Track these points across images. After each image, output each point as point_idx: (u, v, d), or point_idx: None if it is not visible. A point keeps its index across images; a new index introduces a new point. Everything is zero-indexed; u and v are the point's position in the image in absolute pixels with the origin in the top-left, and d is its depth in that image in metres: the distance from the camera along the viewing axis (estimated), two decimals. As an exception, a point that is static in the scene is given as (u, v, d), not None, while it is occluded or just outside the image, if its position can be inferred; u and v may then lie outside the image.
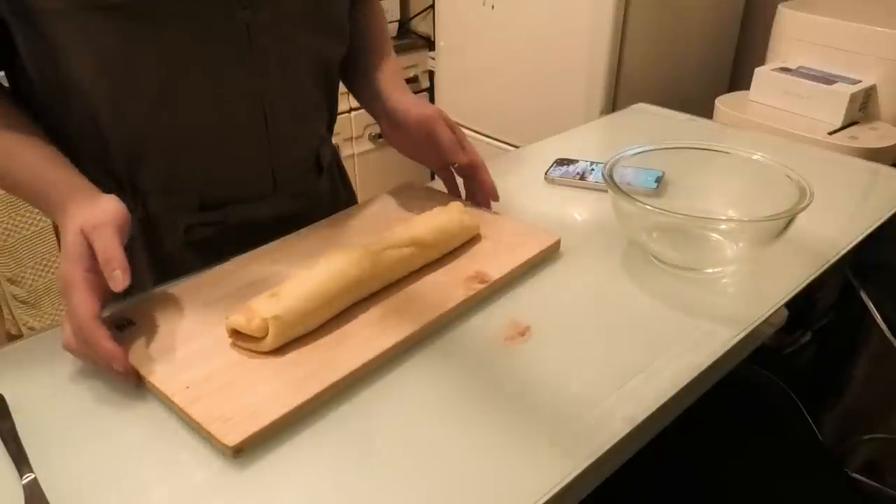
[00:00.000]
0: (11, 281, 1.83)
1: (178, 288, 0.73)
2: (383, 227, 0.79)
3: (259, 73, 0.78)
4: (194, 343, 0.65)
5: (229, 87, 0.77)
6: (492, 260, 0.78)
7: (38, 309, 1.89)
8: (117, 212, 0.65)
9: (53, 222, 0.72)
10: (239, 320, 0.64)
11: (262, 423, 0.56)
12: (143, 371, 0.62)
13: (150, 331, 0.67)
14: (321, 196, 0.95)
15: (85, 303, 0.60)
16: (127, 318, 0.68)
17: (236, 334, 0.65)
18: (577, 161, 1.04)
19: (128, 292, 0.75)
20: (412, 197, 0.92)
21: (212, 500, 0.53)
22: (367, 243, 0.73)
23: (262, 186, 0.86)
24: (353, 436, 0.58)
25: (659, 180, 0.92)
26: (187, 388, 0.60)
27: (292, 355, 0.64)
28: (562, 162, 1.04)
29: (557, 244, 0.81)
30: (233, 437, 0.55)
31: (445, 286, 0.73)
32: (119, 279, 0.61)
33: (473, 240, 0.81)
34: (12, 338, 1.91)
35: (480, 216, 0.84)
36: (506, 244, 0.80)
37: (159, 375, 0.61)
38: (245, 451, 0.56)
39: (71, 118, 0.75)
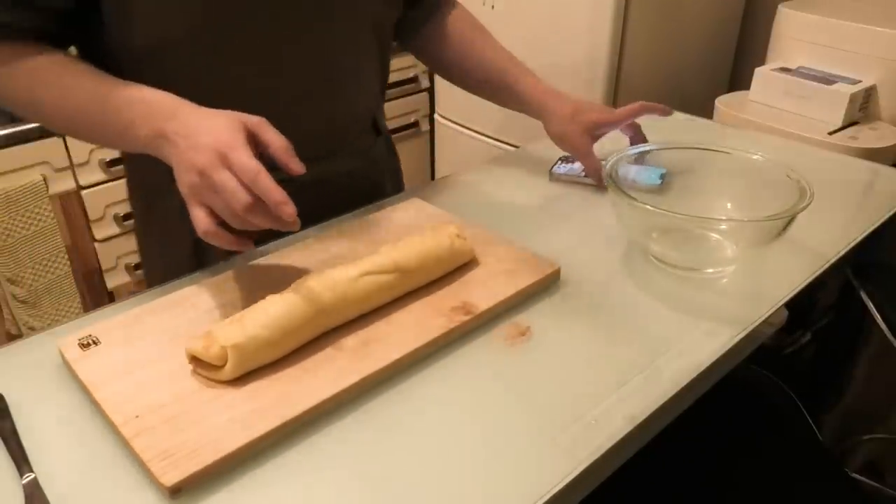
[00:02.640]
0: (11, 281, 1.83)
1: (150, 305, 0.71)
2: (367, 247, 0.75)
3: (323, 31, 0.82)
4: (154, 368, 0.62)
5: (294, 46, 0.80)
6: (482, 288, 0.72)
7: (38, 309, 1.89)
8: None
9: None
10: (197, 347, 0.60)
11: (203, 463, 0.52)
12: (96, 396, 0.59)
13: (114, 351, 0.64)
14: (379, 157, 1.00)
15: (253, 158, 0.61)
16: (93, 338, 0.65)
17: (196, 361, 0.61)
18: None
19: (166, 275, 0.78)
20: (406, 214, 0.88)
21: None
22: (344, 267, 0.69)
23: (326, 145, 0.89)
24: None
25: (664, 177, 0.92)
26: (136, 416, 0.57)
27: (252, 386, 0.60)
28: (566, 159, 1.04)
29: (557, 273, 0.77)
30: (170, 477, 0.51)
31: (427, 316, 0.68)
32: (289, 212, 0.61)
33: (467, 265, 0.77)
34: (12, 338, 1.91)
35: (476, 239, 0.79)
36: (501, 271, 0.75)
37: (111, 401, 0.58)
38: (184, 490, 0.52)
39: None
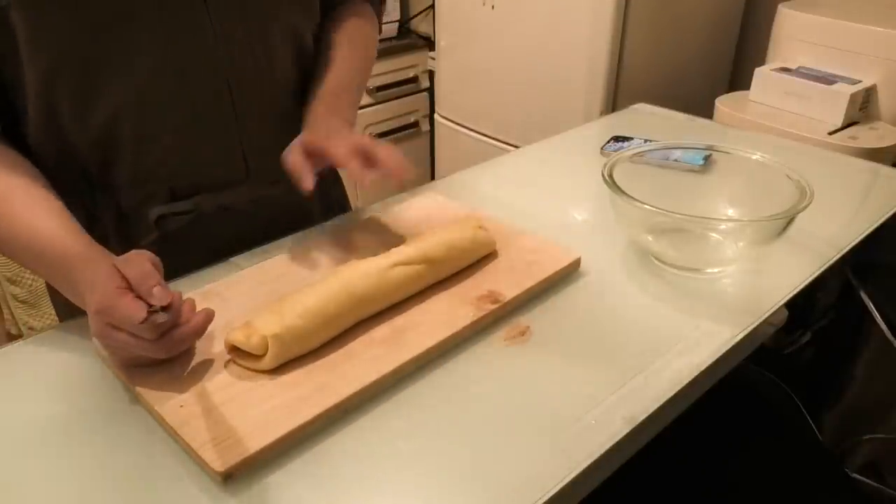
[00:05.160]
0: (11, 281, 1.83)
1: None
2: (393, 240, 0.77)
3: (223, 50, 0.77)
4: (192, 358, 0.63)
5: (193, 66, 0.76)
6: (506, 278, 0.74)
7: (38, 309, 1.89)
8: (151, 254, 0.63)
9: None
10: (238, 337, 0.62)
11: (253, 448, 0.54)
12: (137, 387, 0.60)
13: None
14: None
15: (130, 306, 0.57)
16: None
17: (235, 351, 0.63)
18: (631, 138, 1.10)
19: None
20: (426, 208, 0.89)
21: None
22: (374, 259, 0.71)
23: (233, 173, 0.83)
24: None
25: (707, 158, 0.93)
26: (181, 406, 0.58)
27: (292, 375, 0.62)
28: (617, 139, 1.11)
29: (577, 262, 0.78)
30: (222, 463, 0.53)
31: (456, 305, 0.70)
32: (159, 294, 0.58)
33: (489, 256, 0.78)
34: (12, 338, 1.91)
35: (497, 231, 0.81)
36: (522, 261, 0.77)
37: (154, 393, 0.60)
38: (236, 476, 0.54)
39: (42, 131, 0.74)
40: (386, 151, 0.74)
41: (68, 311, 0.83)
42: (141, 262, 0.61)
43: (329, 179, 1.00)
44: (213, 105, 0.79)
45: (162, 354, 0.60)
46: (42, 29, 0.68)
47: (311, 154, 0.76)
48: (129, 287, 0.59)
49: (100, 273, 0.61)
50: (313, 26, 0.88)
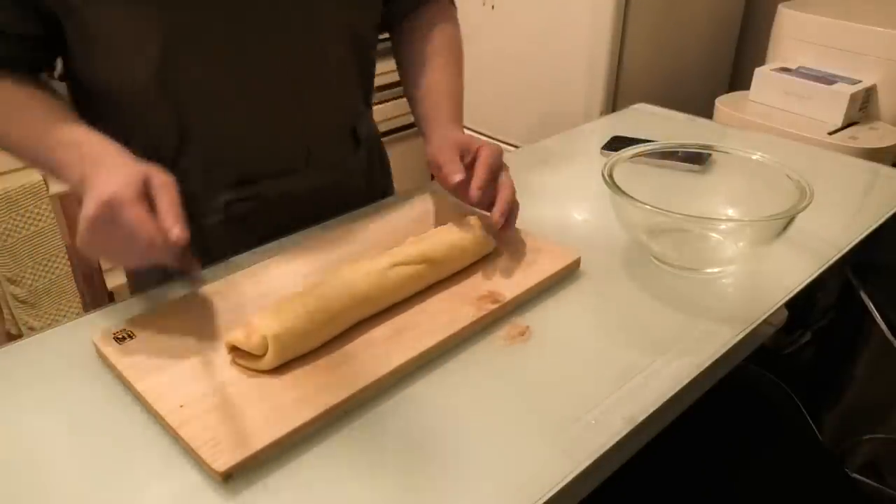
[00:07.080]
0: (11, 281, 1.83)
1: (182, 298, 0.72)
2: (395, 240, 0.77)
3: (288, 43, 0.79)
4: (193, 358, 0.63)
5: (259, 57, 0.78)
6: (507, 278, 0.74)
7: (38, 309, 1.89)
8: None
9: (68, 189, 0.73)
10: (238, 337, 0.62)
11: (253, 449, 0.54)
12: (138, 387, 0.60)
13: (150, 344, 0.65)
14: (356, 168, 0.96)
15: (137, 209, 0.59)
16: (128, 332, 0.66)
17: (236, 350, 0.63)
18: (631, 138, 1.10)
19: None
20: (428, 207, 0.89)
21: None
22: (375, 259, 0.71)
23: (295, 160, 0.87)
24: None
25: (707, 158, 0.93)
26: (181, 406, 0.58)
27: (292, 375, 0.62)
28: (617, 139, 1.11)
29: (577, 262, 0.78)
30: (222, 463, 0.53)
31: (456, 305, 0.70)
32: (178, 233, 0.59)
33: (489, 256, 0.78)
34: (12, 338, 1.91)
35: (495, 231, 0.80)
36: (523, 261, 0.77)
37: (154, 392, 0.59)
38: (235, 476, 0.54)
39: (122, 117, 0.77)
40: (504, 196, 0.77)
41: (142, 284, 0.85)
42: (170, 190, 0.62)
43: (378, 169, 1.03)
44: (279, 94, 0.81)
45: (137, 262, 0.62)
46: (123, 29, 0.71)
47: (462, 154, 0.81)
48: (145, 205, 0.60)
49: (127, 164, 0.62)
50: (371, 21, 0.91)
